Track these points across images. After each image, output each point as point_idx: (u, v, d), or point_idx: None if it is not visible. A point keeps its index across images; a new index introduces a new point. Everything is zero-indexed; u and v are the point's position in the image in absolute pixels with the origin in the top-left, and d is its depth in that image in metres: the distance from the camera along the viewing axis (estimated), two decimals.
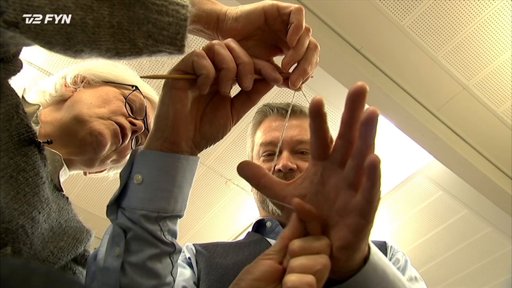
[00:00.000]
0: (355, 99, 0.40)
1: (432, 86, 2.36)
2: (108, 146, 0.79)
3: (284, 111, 0.95)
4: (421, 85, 2.35)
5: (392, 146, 2.65)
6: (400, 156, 2.71)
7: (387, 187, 2.91)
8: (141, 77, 0.49)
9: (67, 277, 0.20)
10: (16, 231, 0.52)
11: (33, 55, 2.18)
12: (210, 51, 0.50)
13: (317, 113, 0.43)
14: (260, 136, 0.96)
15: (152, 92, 0.92)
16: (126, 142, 0.83)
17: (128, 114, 0.83)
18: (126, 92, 0.85)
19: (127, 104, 0.83)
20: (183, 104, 0.52)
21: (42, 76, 2.23)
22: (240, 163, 0.47)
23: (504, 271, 3.41)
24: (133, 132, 0.83)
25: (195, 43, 2.08)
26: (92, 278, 0.56)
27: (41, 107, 0.76)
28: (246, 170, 0.48)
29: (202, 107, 0.56)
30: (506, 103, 2.42)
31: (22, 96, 0.72)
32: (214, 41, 0.51)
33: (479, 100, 2.42)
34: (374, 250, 0.48)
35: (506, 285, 3.53)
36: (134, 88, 0.86)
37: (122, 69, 0.90)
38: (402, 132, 2.38)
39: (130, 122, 0.83)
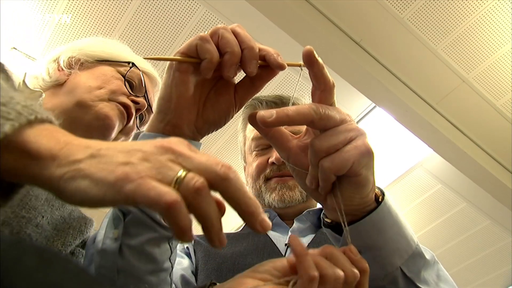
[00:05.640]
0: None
1: (432, 79, 2.36)
2: (116, 128, 0.78)
3: (274, 104, 0.94)
4: (420, 78, 2.34)
5: (391, 139, 2.64)
6: (399, 149, 2.71)
7: (386, 180, 2.91)
8: (144, 58, 0.47)
9: (61, 256, 0.20)
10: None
11: (30, 48, 2.17)
12: (215, 35, 0.49)
13: (311, 60, 0.47)
14: (251, 130, 0.95)
15: (148, 65, 0.88)
16: (132, 122, 0.82)
17: (129, 92, 0.81)
18: (122, 69, 0.82)
19: (126, 83, 0.81)
20: (186, 87, 0.51)
21: None
22: (252, 113, 0.48)
23: (503, 264, 3.43)
24: (137, 110, 0.82)
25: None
26: (90, 261, 0.57)
27: (44, 94, 0.72)
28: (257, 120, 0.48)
29: (205, 92, 0.55)
30: (506, 96, 2.41)
31: (23, 81, 0.70)
32: (219, 25, 0.50)
33: (478, 93, 2.41)
34: (388, 194, 0.52)
35: (505, 277, 3.55)
36: (131, 65, 0.83)
37: (113, 45, 0.87)
38: (401, 125, 2.38)
39: (132, 101, 0.80)
